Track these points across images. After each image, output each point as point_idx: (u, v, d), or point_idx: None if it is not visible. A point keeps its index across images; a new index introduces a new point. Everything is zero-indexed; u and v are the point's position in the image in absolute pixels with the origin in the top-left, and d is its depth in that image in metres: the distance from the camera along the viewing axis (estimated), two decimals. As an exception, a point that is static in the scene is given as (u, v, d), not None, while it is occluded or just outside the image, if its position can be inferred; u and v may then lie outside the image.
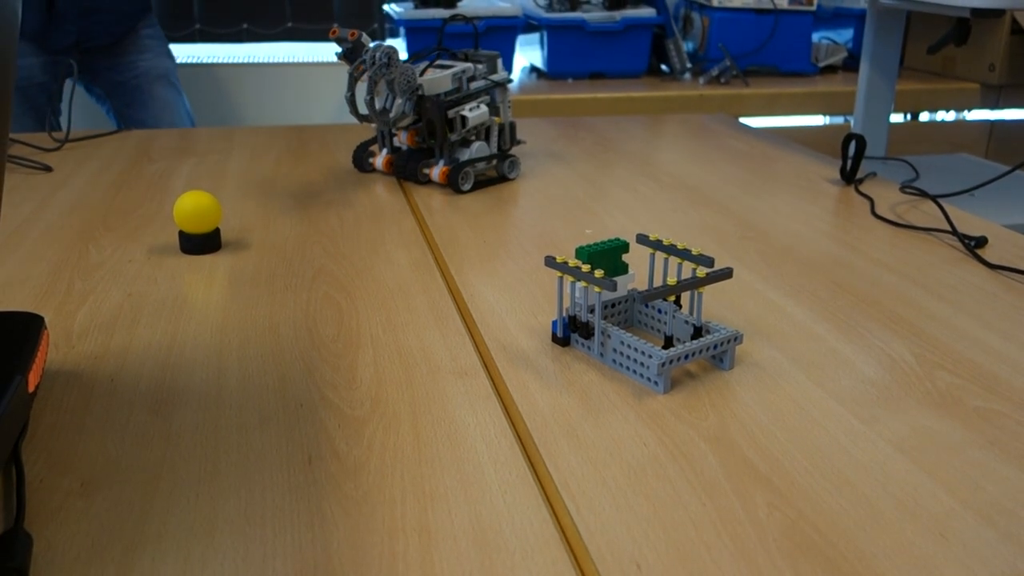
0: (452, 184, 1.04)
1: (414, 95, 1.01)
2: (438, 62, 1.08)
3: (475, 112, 1.04)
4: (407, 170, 1.07)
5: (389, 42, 2.71)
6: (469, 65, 1.06)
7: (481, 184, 1.08)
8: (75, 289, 0.76)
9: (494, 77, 1.08)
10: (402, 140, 1.09)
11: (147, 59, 1.94)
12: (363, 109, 0.97)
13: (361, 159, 1.14)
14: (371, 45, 0.97)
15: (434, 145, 1.06)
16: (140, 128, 1.96)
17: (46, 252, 0.85)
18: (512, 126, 1.12)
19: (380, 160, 1.12)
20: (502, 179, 1.10)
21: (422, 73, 1.03)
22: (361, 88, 0.99)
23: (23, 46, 1.82)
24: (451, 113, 1.03)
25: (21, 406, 0.51)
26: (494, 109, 1.10)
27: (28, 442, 0.53)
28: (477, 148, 1.06)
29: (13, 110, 1.83)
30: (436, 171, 1.05)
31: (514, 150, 1.27)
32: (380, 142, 1.13)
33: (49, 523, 0.46)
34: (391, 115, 1.00)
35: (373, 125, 1.38)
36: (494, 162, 1.09)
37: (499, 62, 1.09)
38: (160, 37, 1.99)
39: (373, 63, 0.96)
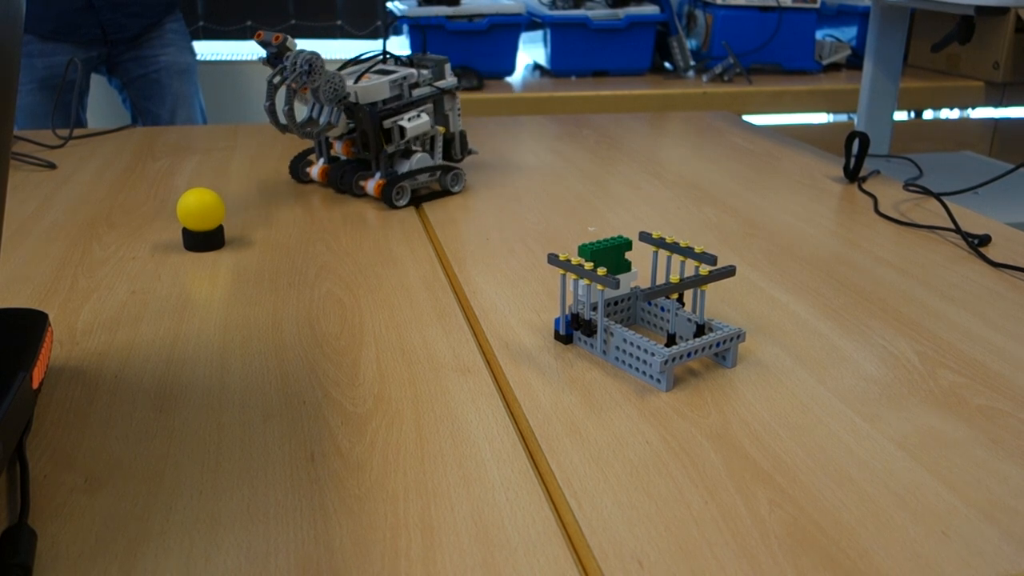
0: (386, 200, 0.97)
1: (341, 104, 0.94)
2: (381, 67, 1.00)
3: (415, 122, 0.97)
4: (343, 182, 1.01)
5: (393, 40, 2.71)
6: (412, 71, 0.99)
7: (424, 198, 1.01)
8: (79, 286, 0.76)
9: (440, 84, 1.01)
10: (338, 150, 1.03)
11: (169, 53, 1.95)
12: (285, 119, 0.90)
13: (298, 169, 1.07)
14: (295, 51, 0.91)
15: (369, 157, 1.00)
16: (154, 121, 1.96)
17: (50, 249, 0.85)
18: (462, 135, 1.05)
19: (316, 170, 1.05)
20: (446, 193, 1.03)
21: (358, 79, 0.96)
22: (282, 96, 0.94)
23: (51, 45, 1.83)
24: (388, 123, 0.96)
25: (25, 402, 0.51)
26: (442, 118, 1.03)
27: (32, 438, 0.53)
28: (418, 160, 0.99)
29: (44, 107, 1.83)
30: (371, 184, 0.99)
31: (467, 161, 1.19)
32: (317, 151, 1.06)
33: (53, 519, 0.46)
34: (319, 125, 0.94)
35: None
36: (437, 174, 1.02)
37: (447, 67, 1.03)
38: (184, 32, 2.00)
39: (293, 70, 0.90)
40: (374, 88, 0.95)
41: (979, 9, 1.16)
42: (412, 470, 0.51)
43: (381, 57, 1.02)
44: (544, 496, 0.49)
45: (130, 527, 0.46)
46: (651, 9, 2.20)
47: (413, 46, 2.12)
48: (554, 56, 2.19)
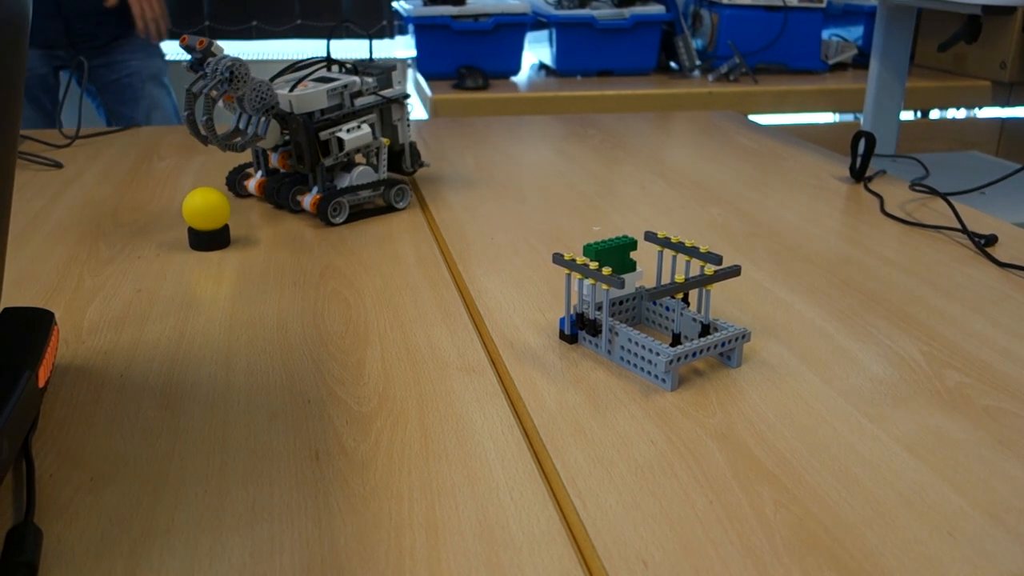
0: (322, 216, 0.91)
1: (269, 114, 0.88)
2: (321, 75, 0.94)
3: (354, 133, 0.90)
4: (279, 196, 0.95)
5: (399, 39, 2.70)
6: (354, 79, 0.92)
7: (367, 214, 0.95)
8: (85, 285, 0.76)
9: (386, 93, 0.95)
10: (274, 162, 0.97)
11: (139, 58, 1.97)
12: (205, 131, 0.85)
13: (235, 182, 1.02)
14: (221, 56, 0.85)
15: (303, 170, 0.93)
16: (130, 125, 1.98)
17: (56, 248, 0.85)
18: (412, 147, 1.00)
19: (254, 184, 0.99)
20: (390, 209, 0.97)
21: (294, 87, 0.90)
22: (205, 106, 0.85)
23: None
24: (325, 134, 0.90)
25: (31, 401, 0.51)
26: (390, 129, 0.98)
27: (38, 437, 0.54)
28: (359, 174, 0.93)
29: None
30: (308, 199, 0.93)
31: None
32: (255, 164, 1.00)
33: (59, 517, 0.46)
34: (246, 136, 0.88)
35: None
36: (381, 189, 0.96)
37: (395, 75, 0.98)
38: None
39: (213, 78, 0.84)
40: (310, 97, 0.89)
41: (986, 8, 1.16)
42: (417, 469, 0.51)
43: (323, 64, 0.96)
44: (549, 495, 0.49)
45: (135, 525, 0.46)
46: (657, 9, 2.20)
47: (419, 47, 2.12)
48: (559, 56, 2.19)
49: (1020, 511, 0.47)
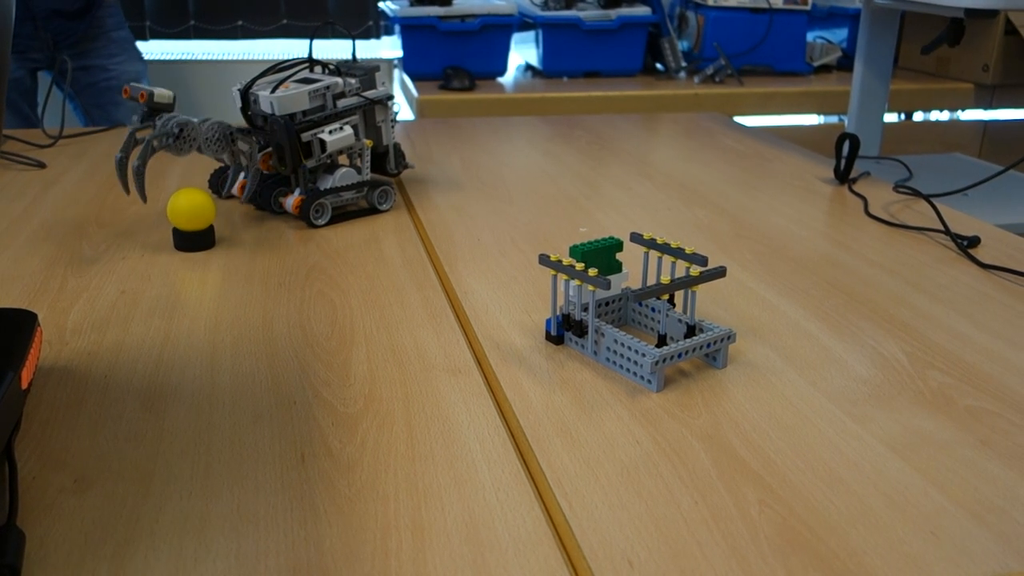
0: (305, 218, 0.91)
1: (226, 141, 0.87)
2: (304, 75, 0.93)
3: (336, 135, 0.90)
4: (261, 198, 0.95)
5: (386, 40, 2.70)
6: (336, 80, 0.92)
7: (350, 215, 0.95)
8: (68, 286, 0.76)
9: (370, 94, 0.94)
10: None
11: (118, 63, 1.97)
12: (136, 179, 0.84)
13: (217, 183, 1.01)
14: (171, 115, 0.84)
15: (285, 172, 0.91)
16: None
17: (40, 249, 0.84)
18: (397, 148, 1.00)
19: (236, 186, 0.97)
20: (373, 211, 0.97)
21: (275, 88, 0.89)
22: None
23: None
24: (307, 136, 0.89)
25: (14, 402, 0.50)
26: (373, 130, 0.97)
27: (21, 439, 0.53)
28: (342, 175, 0.93)
29: None
30: (290, 201, 0.92)
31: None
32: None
33: (42, 520, 0.46)
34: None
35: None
36: (364, 191, 0.96)
37: (378, 76, 0.97)
38: (131, 41, 2.02)
39: (163, 129, 0.83)
40: (292, 98, 0.88)
41: (968, 12, 1.17)
42: (403, 470, 0.51)
43: (306, 64, 0.95)
44: (535, 496, 0.49)
45: (119, 528, 0.45)
46: (643, 10, 2.20)
47: (405, 47, 2.12)
48: (546, 57, 2.19)
49: (1002, 510, 0.48)
